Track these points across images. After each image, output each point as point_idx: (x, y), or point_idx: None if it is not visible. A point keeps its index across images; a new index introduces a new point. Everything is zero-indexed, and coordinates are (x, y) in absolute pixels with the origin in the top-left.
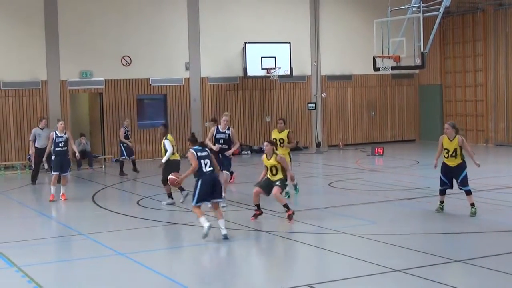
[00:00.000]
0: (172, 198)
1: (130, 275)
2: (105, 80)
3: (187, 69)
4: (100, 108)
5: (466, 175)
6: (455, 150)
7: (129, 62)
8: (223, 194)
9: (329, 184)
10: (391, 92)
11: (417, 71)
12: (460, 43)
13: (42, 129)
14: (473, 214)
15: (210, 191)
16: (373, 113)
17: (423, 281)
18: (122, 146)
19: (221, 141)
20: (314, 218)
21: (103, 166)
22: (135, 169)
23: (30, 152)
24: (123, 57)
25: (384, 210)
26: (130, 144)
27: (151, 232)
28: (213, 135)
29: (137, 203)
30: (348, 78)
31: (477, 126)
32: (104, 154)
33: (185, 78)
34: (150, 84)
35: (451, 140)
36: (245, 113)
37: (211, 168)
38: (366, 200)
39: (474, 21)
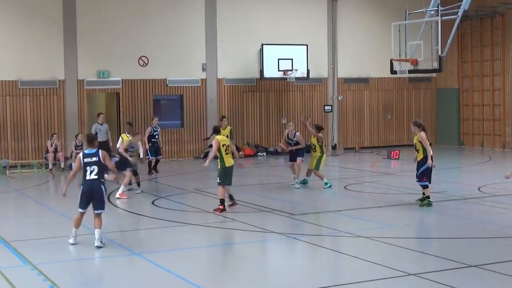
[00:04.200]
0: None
1: (144, 275)
2: (122, 80)
3: (204, 70)
4: (117, 108)
5: (424, 171)
6: (416, 144)
7: (146, 63)
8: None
9: (345, 187)
10: (408, 95)
11: (434, 74)
12: (478, 47)
13: (101, 124)
14: (418, 201)
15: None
16: (390, 116)
17: (437, 285)
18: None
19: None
20: (329, 221)
21: None
22: (154, 169)
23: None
24: (140, 57)
25: (400, 214)
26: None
27: (166, 232)
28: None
29: (152, 203)
30: (365, 81)
31: (494, 131)
32: None
33: (202, 79)
34: (167, 85)
35: (415, 136)
36: (261, 115)
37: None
38: (382, 204)
39: (492, 25)
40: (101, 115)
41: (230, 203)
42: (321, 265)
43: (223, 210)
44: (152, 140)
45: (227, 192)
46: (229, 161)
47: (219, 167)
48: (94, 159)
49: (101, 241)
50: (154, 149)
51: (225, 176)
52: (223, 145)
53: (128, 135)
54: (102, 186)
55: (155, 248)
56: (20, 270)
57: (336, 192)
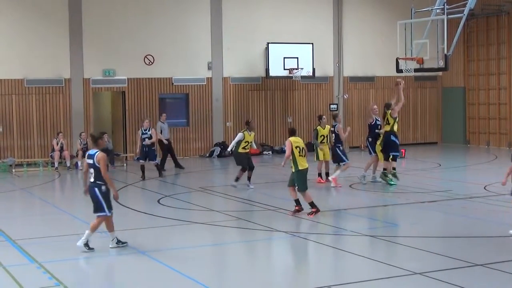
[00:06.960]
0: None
1: (150, 274)
2: (127, 78)
3: (209, 68)
4: (122, 107)
5: None
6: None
7: (152, 61)
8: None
9: (350, 186)
10: (414, 94)
11: (440, 73)
12: (484, 45)
13: (163, 122)
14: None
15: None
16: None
17: (442, 284)
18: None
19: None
20: (334, 219)
21: (125, 165)
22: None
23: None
24: (146, 56)
25: (405, 212)
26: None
27: (172, 231)
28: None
29: (158, 201)
30: (370, 79)
31: (500, 130)
32: (126, 153)
33: (208, 77)
34: (173, 83)
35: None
36: (267, 114)
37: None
38: (387, 202)
39: (498, 23)
40: (164, 114)
41: (296, 208)
42: (326, 263)
43: (299, 211)
44: (143, 143)
45: (293, 194)
46: (302, 164)
47: (292, 170)
48: (91, 161)
49: (85, 244)
50: (145, 153)
51: (297, 180)
52: (296, 147)
53: (250, 132)
54: (96, 189)
55: (161, 247)
56: (26, 268)
57: (341, 191)
